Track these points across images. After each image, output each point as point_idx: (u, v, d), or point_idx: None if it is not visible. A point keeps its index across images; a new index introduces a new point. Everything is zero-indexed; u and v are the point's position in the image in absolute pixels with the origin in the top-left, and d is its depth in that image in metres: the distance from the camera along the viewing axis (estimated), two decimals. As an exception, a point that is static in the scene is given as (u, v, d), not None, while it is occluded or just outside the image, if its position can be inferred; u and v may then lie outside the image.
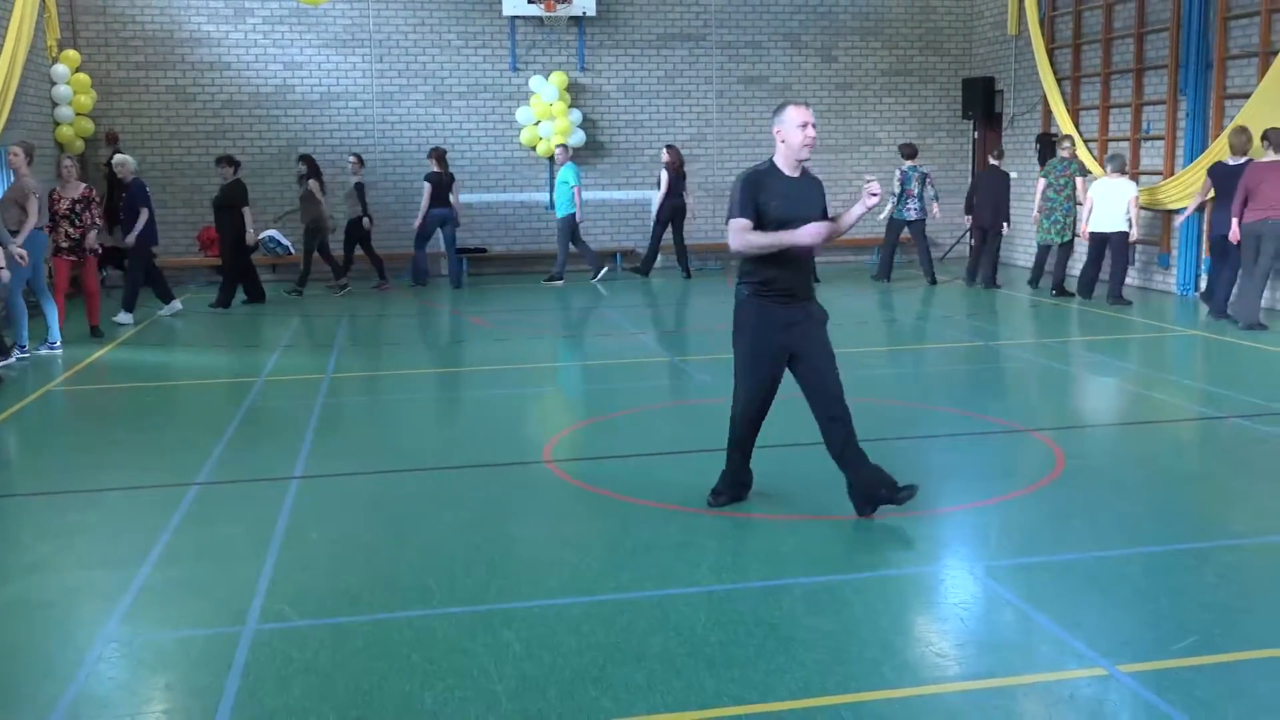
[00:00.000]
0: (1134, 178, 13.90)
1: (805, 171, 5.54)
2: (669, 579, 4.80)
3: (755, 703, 3.70)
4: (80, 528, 5.65)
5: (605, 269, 15.64)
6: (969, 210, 14.66)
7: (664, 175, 15.38)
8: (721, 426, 5.93)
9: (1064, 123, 14.93)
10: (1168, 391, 8.53)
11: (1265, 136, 10.94)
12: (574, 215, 15.10)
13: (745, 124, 17.28)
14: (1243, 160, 11.20)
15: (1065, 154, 13.42)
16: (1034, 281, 13.88)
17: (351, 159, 14.86)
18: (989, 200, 14.13)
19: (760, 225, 5.31)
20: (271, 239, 15.00)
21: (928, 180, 14.79)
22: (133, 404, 8.64)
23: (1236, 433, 7.21)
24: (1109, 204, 12.59)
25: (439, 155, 14.95)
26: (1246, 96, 11.94)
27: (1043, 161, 14.67)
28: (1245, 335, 10.46)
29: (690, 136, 17.15)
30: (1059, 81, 15.24)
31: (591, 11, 16.24)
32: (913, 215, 14.68)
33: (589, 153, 16.80)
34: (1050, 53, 15.37)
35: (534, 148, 16.45)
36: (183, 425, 8.04)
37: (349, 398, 8.68)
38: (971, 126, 17.77)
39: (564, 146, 15.42)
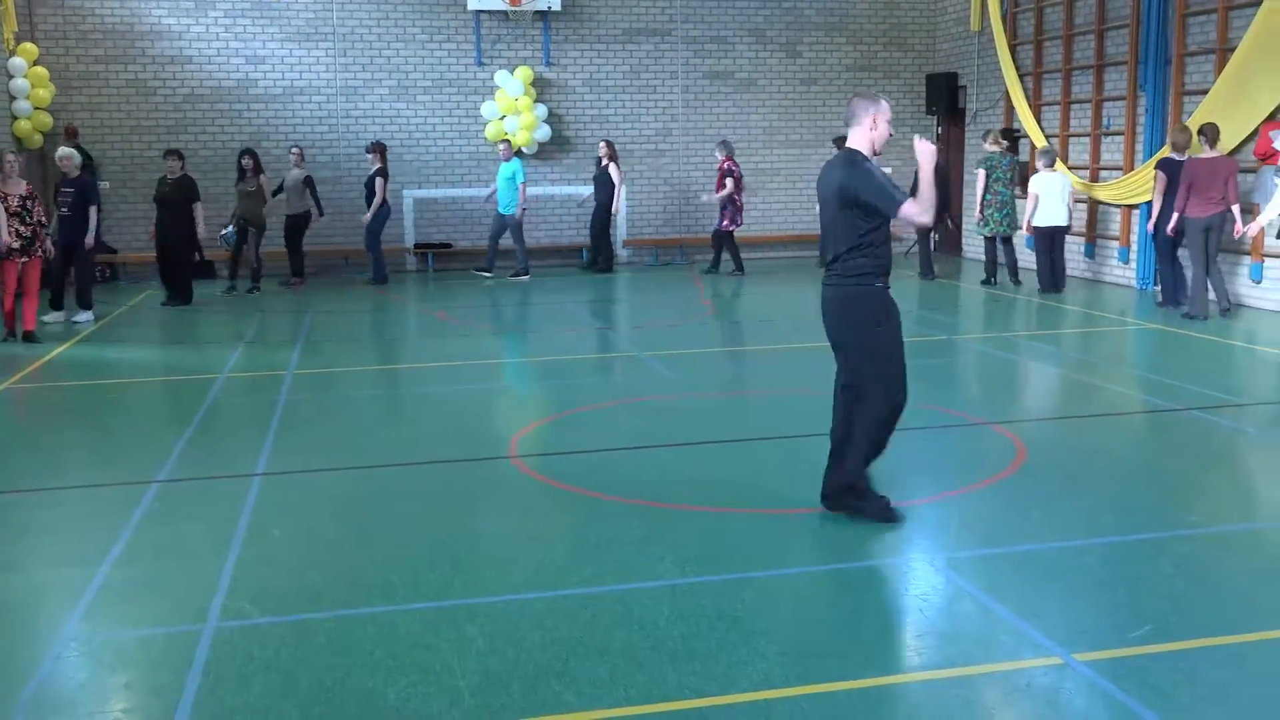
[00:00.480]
0: (1094, 174, 14.07)
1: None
2: (632, 573, 4.81)
3: (717, 695, 3.73)
4: (40, 526, 5.60)
5: (490, 275, 15.40)
6: None
7: (614, 169, 15.46)
8: (686, 420, 5.99)
9: (1026, 118, 15.06)
10: (1126, 384, 8.63)
11: (1201, 132, 11.17)
12: (518, 211, 15.07)
13: (711, 119, 17.31)
14: (1185, 157, 11.42)
15: (998, 149, 13.73)
16: (990, 280, 13.94)
17: (294, 152, 14.67)
18: None
19: (866, 212, 5.19)
20: (232, 234, 14.89)
21: None
22: (93, 402, 8.56)
23: (1193, 424, 7.31)
24: (1052, 198, 12.92)
25: (384, 150, 14.92)
26: (1204, 92, 12.09)
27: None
28: (1202, 328, 10.59)
29: (656, 131, 17.16)
30: (1021, 77, 15.36)
31: (557, 6, 16.21)
32: None
33: (555, 148, 16.78)
34: (1012, 48, 15.49)
35: (499, 143, 16.40)
36: (144, 423, 7.97)
37: (312, 394, 8.64)
38: (935, 122, 17.88)
39: (507, 143, 15.34)
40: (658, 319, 12.55)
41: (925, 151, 5.28)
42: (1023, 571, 4.82)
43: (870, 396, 5.37)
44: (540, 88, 16.57)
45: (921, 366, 9.54)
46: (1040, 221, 12.99)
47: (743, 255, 16.32)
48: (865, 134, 5.35)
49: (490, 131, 16.28)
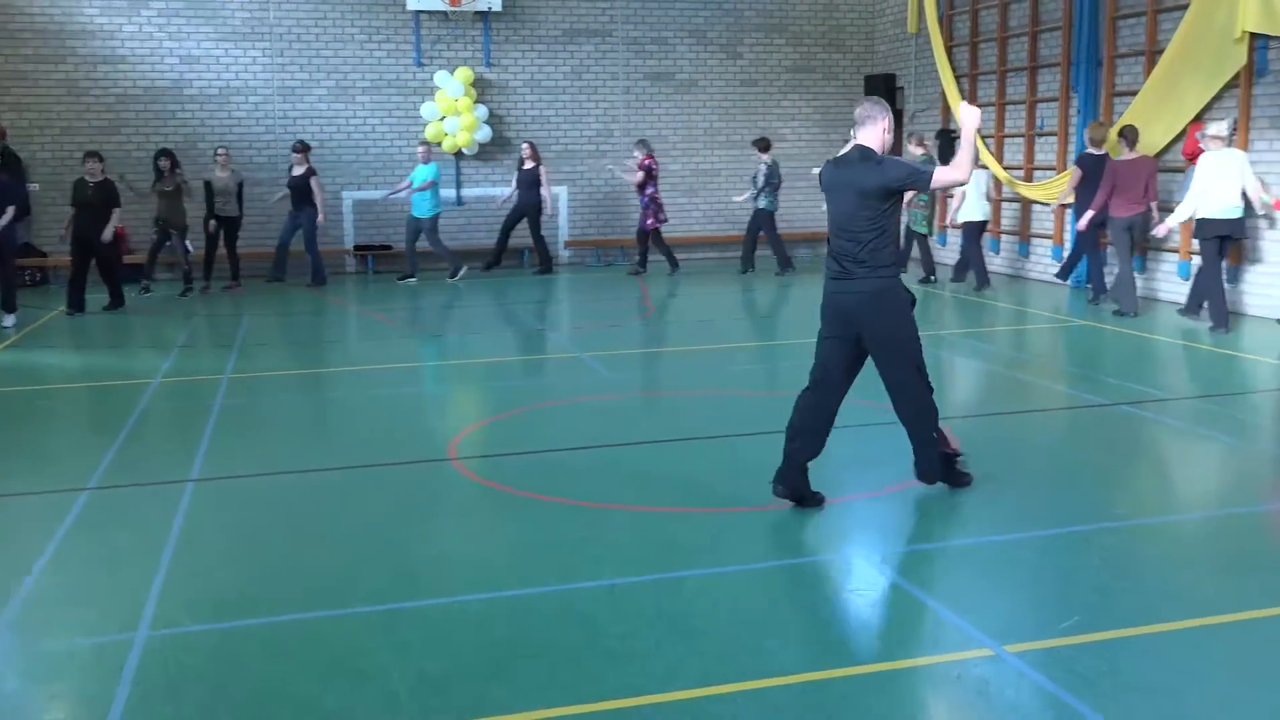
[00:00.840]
0: (1029, 174, 14.29)
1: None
2: (572, 573, 4.82)
3: (656, 693, 3.74)
4: (-35, 536, 5.48)
5: (414, 279, 15.20)
6: None
7: (543, 171, 15.48)
8: (626, 421, 6.00)
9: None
10: (1057, 380, 8.77)
11: (1122, 134, 11.50)
12: (436, 215, 14.99)
13: (652, 120, 17.35)
14: (1103, 152, 11.86)
15: (922, 151, 13.97)
16: (928, 279, 14.13)
17: (220, 154, 14.39)
18: None
19: (898, 200, 5.50)
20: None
21: (776, 173, 15.38)
22: (20, 408, 8.38)
23: (1121, 419, 7.45)
24: (975, 194, 13.29)
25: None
26: (1134, 93, 12.33)
27: (943, 157, 14.98)
28: (1131, 324, 10.80)
29: (597, 132, 17.17)
30: (957, 79, 15.56)
31: (497, 6, 16.16)
32: (770, 206, 15.37)
33: (496, 149, 16.72)
34: (949, 50, 15.69)
35: (439, 144, 16.32)
36: (74, 429, 7.84)
37: (248, 399, 8.53)
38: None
39: (426, 144, 15.22)
40: (599, 319, 12.56)
41: (971, 114, 5.69)
42: (955, 566, 4.89)
43: (913, 384, 5.56)
44: (481, 88, 16.51)
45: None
46: (965, 217, 13.39)
47: (685, 255, 16.41)
48: (879, 136, 5.55)
49: (430, 132, 16.18)
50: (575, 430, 7.42)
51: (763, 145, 15.41)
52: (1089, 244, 12.18)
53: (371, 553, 5.13)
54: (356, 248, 16.29)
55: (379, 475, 6.44)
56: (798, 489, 5.56)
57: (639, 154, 15.40)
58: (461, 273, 15.20)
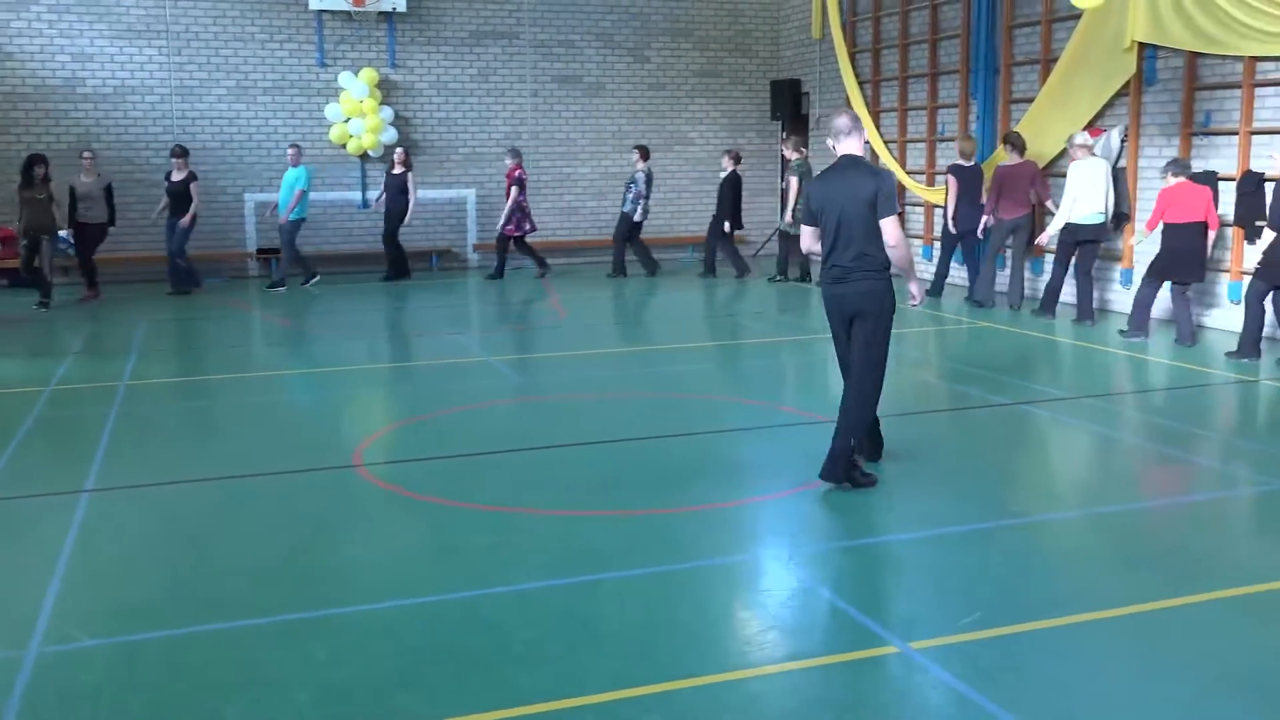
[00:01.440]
0: (930, 179, 14.58)
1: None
2: (480, 579, 4.78)
3: (567, 697, 3.73)
4: None
5: (316, 278, 14.87)
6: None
7: (410, 179, 15.28)
8: (535, 424, 5.97)
9: (865, 124, 15.48)
10: (957, 380, 8.95)
11: (1008, 140, 11.98)
12: (299, 220, 14.63)
13: (560, 123, 17.32)
14: (972, 163, 12.54)
15: (798, 156, 14.39)
16: (803, 277, 14.76)
17: (86, 157, 13.74)
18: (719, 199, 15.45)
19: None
20: (63, 240, 14.21)
21: (649, 182, 15.51)
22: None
23: (1020, 418, 7.64)
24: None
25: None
26: (1030, 100, 12.66)
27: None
28: (1031, 325, 11.08)
29: (505, 135, 17.07)
30: (860, 84, 15.81)
31: (401, 7, 15.98)
32: (642, 217, 15.50)
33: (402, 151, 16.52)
34: (852, 57, 15.93)
35: (344, 145, 16.09)
36: (-38, 439, 7.54)
37: (146, 406, 8.31)
38: (780, 127, 18.26)
39: (296, 147, 14.75)
40: (506, 323, 12.50)
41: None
42: (861, 565, 4.97)
43: (873, 378, 5.97)
44: (386, 90, 16.31)
45: (769, 366, 9.77)
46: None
47: (594, 259, 16.41)
48: (861, 146, 6.00)
49: (334, 134, 15.95)
50: (484, 435, 7.37)
51: (644, 153, 15.50)
52: (949, 245, 13.03)
53: (275, 562, 5.03)
54: (259, 251, 15.97)
55: (282, 483, 6.32)
56: (849, 474, 5.94)
57: (509, 162, 15.34)
58: (282, 288, 14.63)
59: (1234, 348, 9.32)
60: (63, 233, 13.74)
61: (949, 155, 14.38)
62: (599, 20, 17.35)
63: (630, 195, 15.40)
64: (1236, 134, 10.35)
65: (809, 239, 6.06)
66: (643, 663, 3.98)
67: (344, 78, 15.88)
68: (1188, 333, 9.90)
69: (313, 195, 15.86)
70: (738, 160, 15.45)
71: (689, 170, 17.85)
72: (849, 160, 5.92)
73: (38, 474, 6.49)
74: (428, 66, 16.66)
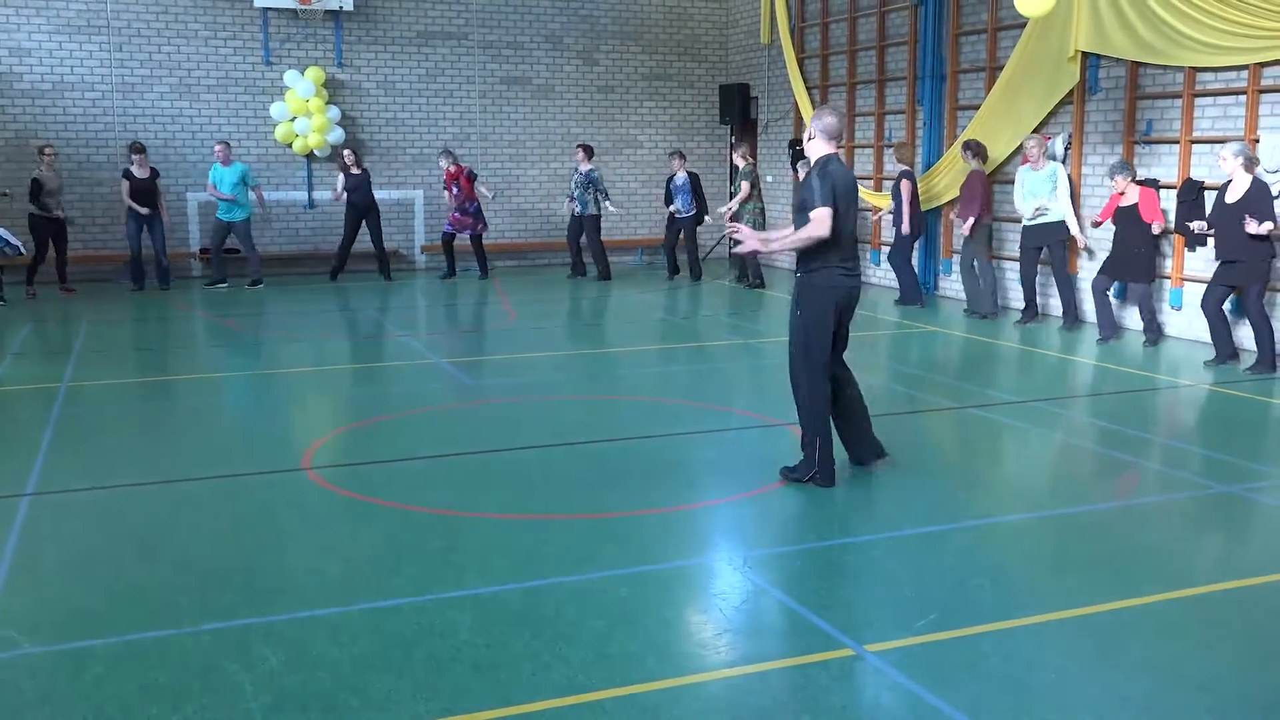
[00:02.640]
0: (878, 184, 14.71)
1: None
2: (433, 584, 4.74)
3: (522, 703, 3.70)
4: None
5: (224, 285, 14.72)
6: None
7: (342, 178, 15.09)
8: (487, 427, 5.90)
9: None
10: (911, 385, 9.04)
11: (967, 146, 12.15)
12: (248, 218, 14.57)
13: (509, 124, 17.25)
14: (908, 168, 12.87)
15: (747, 164, 14.50)
16: (745, 277, 15.01)
17: (49, 151, 13.61)
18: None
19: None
20: (1, 239, 13.90)
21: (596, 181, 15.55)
22: None
23: (973, 422, 7.72)
24: None
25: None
26: (976, 107, 12.82)
27: (794, 165, 15.34)
28: (980, 329, 11.21)
29: (453, 136, 16.97)
30: (809, 90, 15.92)
31: (349, 6, 15.83)
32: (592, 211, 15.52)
33: (349, 150, 16.35)
34: (800, 62, 16.03)
35: (290, 144, 15.91)
36: (-105, 441, 7.35)
37: (89, 407, 8.14)
38: (729, 131, 18.33)
39: (225, 144, 14.55)
40: (456, 325, 12.42)
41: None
42: (817, 567, 4.99)
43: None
44: (333, 89, 16.15)
45: (723, 370, 9.79)
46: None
47: (542, 261, 16.37)
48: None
49: (280, 133, 15.76)
50: (435, 438, 7.31)
51: (589, 151, 15.55)
52: (905, 249, 13.18)
53: (223, 567, 4.95)
54: (202, 251, 15.73)
55: (230, 486, 6.22)
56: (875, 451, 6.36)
57: (444, 165, 15.27)
58: (224, 285, 14.64)
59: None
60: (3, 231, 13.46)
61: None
62: (548, 22, 17.31)
63: (590, 197, 15.34)
64: (1177, 142, 10.56)
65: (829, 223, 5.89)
66: (600, 667, 3.96)
67: (290, 76, 15.70)
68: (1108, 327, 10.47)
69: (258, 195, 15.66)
70: (683, 159, 15.53)
71: (638, 173, 17.87)
72: (837, 159, 6.02)
73: (-25, 478, 6.33)
74: (375, 66, 16.52)
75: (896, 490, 6.08)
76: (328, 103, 15.94)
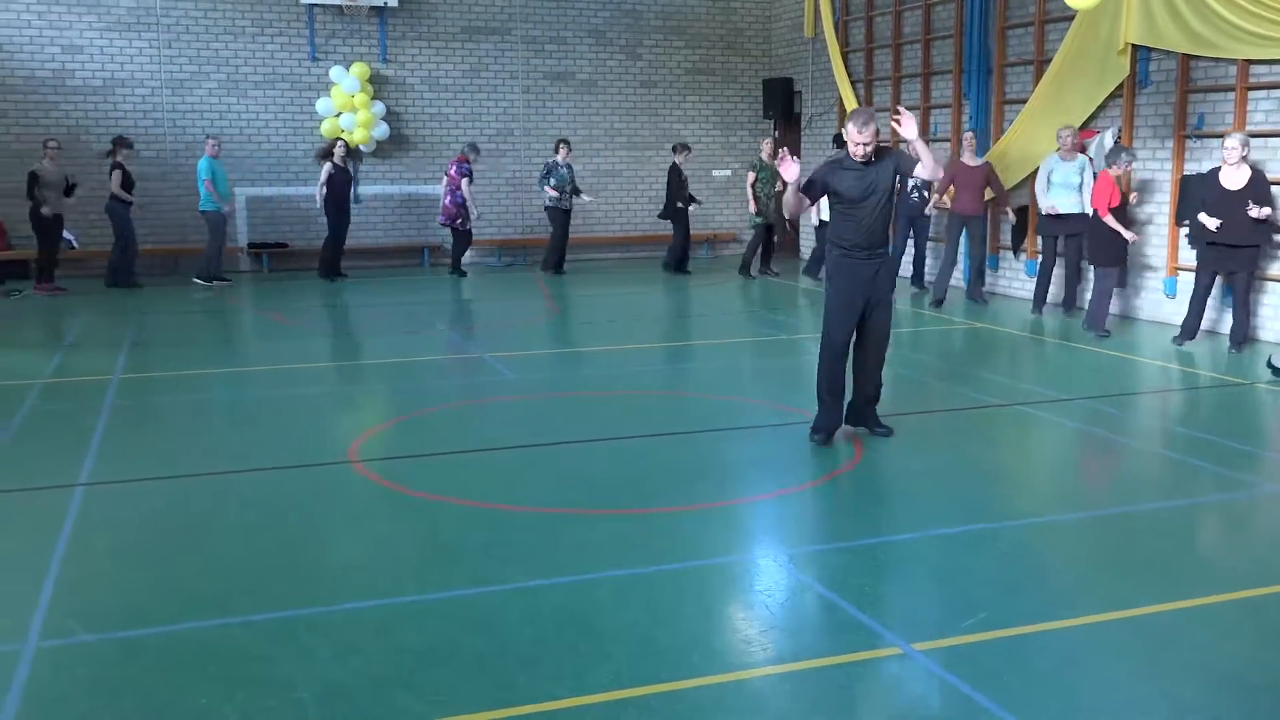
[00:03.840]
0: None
1: (873, 160, 6.53)
2: (478, 577, 4.76)
3: (567, 697, 3.71)
4: None
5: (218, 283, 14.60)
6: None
7: (328, 167, 14.69)
8: (530, 422, 5.90)
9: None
10: (953, 381, 8.96)
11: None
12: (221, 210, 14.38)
13: (552, 119, 17.28)
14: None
15: (766, 155, 14.76)
16: (744, 269, 15.23)
17: (52, 145, 13.52)
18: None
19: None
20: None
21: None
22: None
23: (1017, 418, 7.64)
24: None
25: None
26: (1024, 101, 12.68)
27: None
28: (1022, 326, 11.10)
29: (497, 131, 17.04)
30: (853, 84, 15.82)
31: (394, 2, 15.93)
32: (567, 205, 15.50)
33: (393, 146, 16.49)
34: (845, 56, 15.94)
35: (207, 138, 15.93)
36: (-48, 432, 7.48)
37: (140, 399, 8.26)
38: (773, 125, 18.26)
39: (214, 138, 14.37)
40: (500, 320, 12.46)
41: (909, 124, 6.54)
42: (863, 565, 4.95)
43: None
44: (378, 85, 16.26)
45: (764, 367, 9.76)
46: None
47: (592, 256, 16.40)
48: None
49: (326, 128, 15.89)
50: (479, 432, 7.34)
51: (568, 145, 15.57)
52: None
53: (272, 558, 5.00)
54: (251, 245, 15.90)
55: (278, 478, 6.28)
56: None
57: (473, 158, 15.23)
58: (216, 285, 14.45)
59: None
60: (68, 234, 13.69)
61: (941, 156, 14.41)
62: (590, 17, 17.32)
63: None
64: (1229, 137, 10.38)
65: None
66: (644, 663, 3.96)
67: (335, 72, 15.83)
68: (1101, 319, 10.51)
69: (304, 190, 15.85)
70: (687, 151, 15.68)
71: (690, 166, 17.76)
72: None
73: (31, 468, 6.43)
74: (419, 62, 16.61)
75: (944, 488, 6.03)
76: (372, 98, 16.05)
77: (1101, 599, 4.52)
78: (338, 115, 15.87)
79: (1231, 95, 10.39)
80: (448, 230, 15.52)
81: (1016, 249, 13.23)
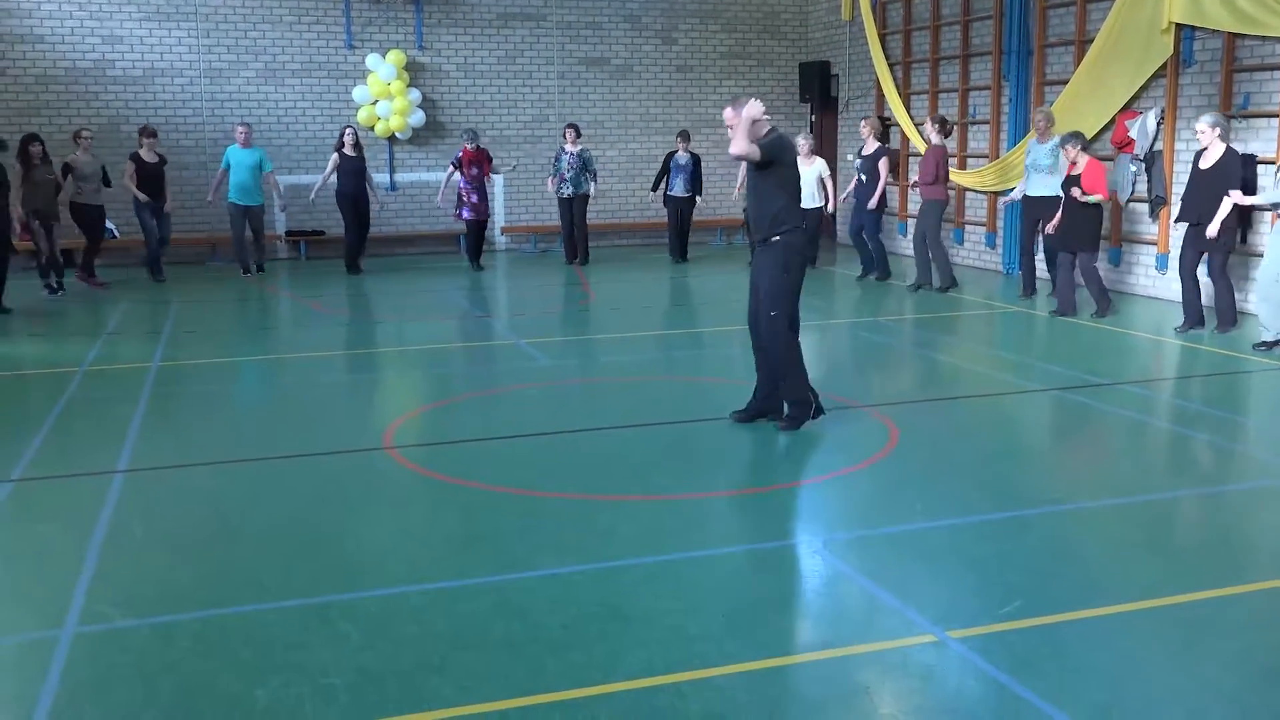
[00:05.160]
0: (961, 162, 14.41)
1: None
2: (510, 563, 4.75)
3: (598, 684, 3.70)
4: (-121, 531, 5.28)
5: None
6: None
7: (335, 159, 14.30)
8: (564, 408, 5.90)
9: (896, 107, 15.36)
10: (992, 366, 8.87)
11: (935, 121, 12.48)
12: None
13: (587, 105, 17.24)
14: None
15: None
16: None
17: (85, 135, 13.16)
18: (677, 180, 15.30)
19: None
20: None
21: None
22: (-61, 398, 8.11)
23: (1054, 404, 7.55)
24: (807, 184, 13.03)
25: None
26: (1064, 83, 12.49)
27: (883, 140, 15.08)
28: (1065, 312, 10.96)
29: (532, 118, 17.03)
30: (891, 67, 15.66)
31: (429, -11, 15.96)
32: (568, 193, 15.06)
33: (430, 133, 16.52)
34: (882, 38, 15.77)
35: (372, 128, 16.08)
36: (-5, 419, 7.59)
37: (178, 387, 8.33)
38: (809, 110, 18.12)
39: (246, 126, 14.08)
40: (535, 306, 12.47)
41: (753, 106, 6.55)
42: (898, 552, 4.90)
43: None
44: (413, 72, 16.29)
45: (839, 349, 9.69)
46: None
47: (622, 242, 16.33)
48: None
49: (362, 116, 15.94)
50: (513, 418, 7.35)
51: (578, 131, 15.17)
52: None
53: (305, 544, 5.02)
54: (288, 233, 16.00)
55: (312, 465, 6.32)
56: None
57: (469, 144, 14.56)
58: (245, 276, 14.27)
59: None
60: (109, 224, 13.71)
61: (979, 139, 14.26)
62: (626, 1, 17.25)
63: (583, 178, 14.98)
64: (1276, 116, 10.19)
65: None
66: (676, 649, 3.94)
67: (372, 60, 15.87)
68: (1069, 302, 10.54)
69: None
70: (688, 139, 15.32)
71: (718, 153, 17.67)
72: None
73: (71, 455, 6.51)
74: (455, 49, 16.62)
75: (980, 474, 5.97)
76: (409, 85, 16.08)
77: (1140, 587, 4.45)
78: (374, 103, 15.92)
79: (1278, 74, 10.18)
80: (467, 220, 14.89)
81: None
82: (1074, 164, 10.39)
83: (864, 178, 13.26)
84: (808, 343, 9.89)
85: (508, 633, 4.08)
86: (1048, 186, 11.08)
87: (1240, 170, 9.44)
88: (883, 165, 13.06)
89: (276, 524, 5.31)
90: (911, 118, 15.20)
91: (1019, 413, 7.52)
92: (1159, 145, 11.41)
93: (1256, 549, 4.97)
